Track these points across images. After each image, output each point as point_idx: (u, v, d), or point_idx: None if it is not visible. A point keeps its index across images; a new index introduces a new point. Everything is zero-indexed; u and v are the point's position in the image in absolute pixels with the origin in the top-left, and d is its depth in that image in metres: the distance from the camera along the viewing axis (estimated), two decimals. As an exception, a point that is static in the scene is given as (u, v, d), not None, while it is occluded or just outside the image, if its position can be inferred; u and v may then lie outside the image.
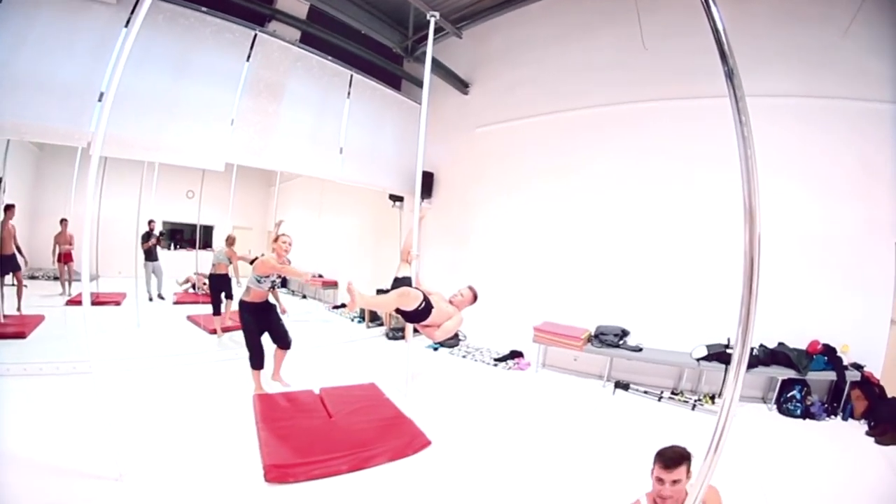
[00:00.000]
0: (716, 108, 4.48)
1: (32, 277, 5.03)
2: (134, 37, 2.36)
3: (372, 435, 3.17)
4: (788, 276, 4.31)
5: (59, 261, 5.10)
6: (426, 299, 3.00)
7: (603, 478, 2.88)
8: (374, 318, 7.17)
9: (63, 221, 5.12)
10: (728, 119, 1.19)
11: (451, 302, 3.26)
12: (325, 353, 5.55)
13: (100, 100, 3.64)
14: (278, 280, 4.08)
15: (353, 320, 7.53)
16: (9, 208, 4.92)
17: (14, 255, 4.98)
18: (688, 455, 1.84)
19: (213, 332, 5.59)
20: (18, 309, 4.95)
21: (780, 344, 4.32)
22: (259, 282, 3.85)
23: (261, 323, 3.96)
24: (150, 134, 4.17)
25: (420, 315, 3.02)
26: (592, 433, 3.62)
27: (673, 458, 1.82)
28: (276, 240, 3.93)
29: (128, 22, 3.80)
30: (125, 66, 3.84)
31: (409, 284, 3.24)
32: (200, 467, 2.69)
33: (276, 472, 2.63)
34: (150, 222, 7.06)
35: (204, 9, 4.45)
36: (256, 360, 3.91)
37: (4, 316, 4.64)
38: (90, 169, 2.34)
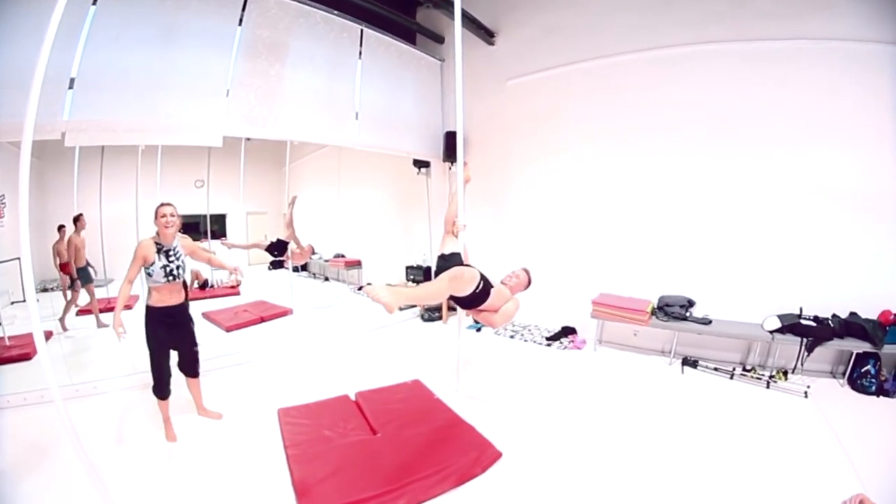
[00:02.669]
0: (794, 51, 3.81)
1: (44, 290, 4.52)
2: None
3: (429, 453, 2.67)
4: (859, 238, 3.80)
5: (60, 271, 4.54)
6: (483, 279, 2.53)
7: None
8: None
9: (61, 228, 4.49)
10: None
11: (503, 284, 2.84)
12: (355, 344, 5.12)
13: (70, 87, 3.15)
14: (181, 266, 2.96)
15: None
16: (78, 218, 4.50)
17: (86, 266, 4.65)
18: None
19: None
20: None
21: (853, 314, 3.81)
22: (149, 275, 2.85)
23: (167, 334, 2.97)
24: (133, 115, 3.56)
25: (477, 298, 2.55)
26: (674, 422, 3.19)
27: None
28: (156, 215, 2.93)
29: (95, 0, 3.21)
30: (99, 47, 3.28)
31: (460, 262, 2.74)
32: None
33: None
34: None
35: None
36: (159, 386, 2.97)
37: (9, 338, 4.11)
38: (21, 158, 1.86)
